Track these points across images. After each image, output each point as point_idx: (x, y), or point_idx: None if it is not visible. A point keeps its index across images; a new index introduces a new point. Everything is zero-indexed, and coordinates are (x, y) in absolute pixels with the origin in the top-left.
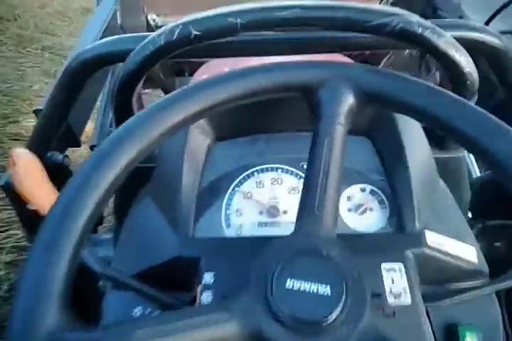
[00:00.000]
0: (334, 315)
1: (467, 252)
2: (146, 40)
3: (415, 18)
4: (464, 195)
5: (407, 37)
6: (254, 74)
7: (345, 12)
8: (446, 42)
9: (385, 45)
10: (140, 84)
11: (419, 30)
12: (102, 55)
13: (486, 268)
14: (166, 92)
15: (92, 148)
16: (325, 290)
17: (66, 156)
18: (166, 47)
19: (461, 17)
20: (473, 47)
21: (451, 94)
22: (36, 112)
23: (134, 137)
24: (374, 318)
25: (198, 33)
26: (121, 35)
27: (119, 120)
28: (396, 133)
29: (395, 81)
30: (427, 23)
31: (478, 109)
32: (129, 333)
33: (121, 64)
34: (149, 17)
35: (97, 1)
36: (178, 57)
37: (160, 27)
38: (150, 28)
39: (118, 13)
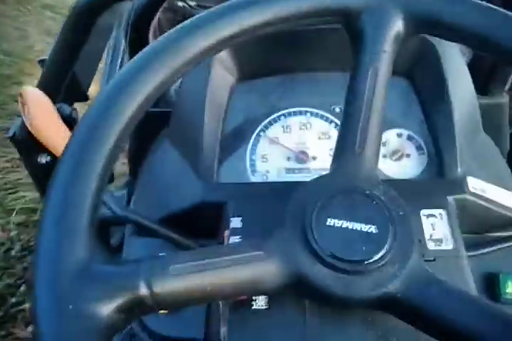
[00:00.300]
0: (380, 254)
1: (510, 200)
2: None
3: None
4: (504, 143)
5: None
6: None
7: None
8: None
9: None
10: (156, 18)
11: None
12: None
13: None
14: None
15: None
16: (370, 228)
17: (74, 109)
18: None
19: None
20: None
21: None
22: (41, 62)
23: (156, 64)
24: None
25: None
26: None
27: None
28: (440, 72)
29: (454, 3)
30: None
31: None
32: (163, 267)
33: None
34: None
35: None
36: None
37: None
38: None
39: None
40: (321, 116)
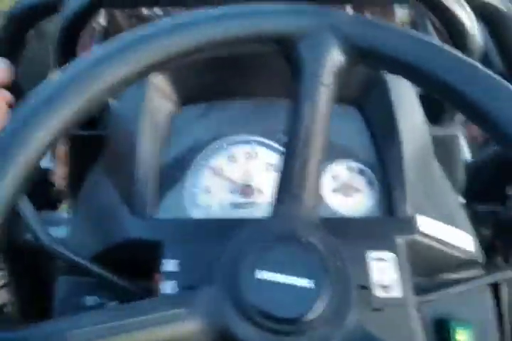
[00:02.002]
0: (314, 313)
1: (463, 240)
2: None
3: None
4: (458, 177)
5: None
6: (219, 19)
7: None
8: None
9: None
10: (84, 33)
11: None
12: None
13: (481, 258)
14: None
15: None
16: (304, 283)
17: None
18: None
19: None
20: (473, 8)
21: (464, 57)
22: None
23: (68, 93)
24: (361, 314)
25: None
26: None
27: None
28: (389, 102)
29: (395, 35)
30: None
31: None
32: (61, 334)
33: None
34: None
35: None
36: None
37: None
38: None
39: None
40: (268, 146)
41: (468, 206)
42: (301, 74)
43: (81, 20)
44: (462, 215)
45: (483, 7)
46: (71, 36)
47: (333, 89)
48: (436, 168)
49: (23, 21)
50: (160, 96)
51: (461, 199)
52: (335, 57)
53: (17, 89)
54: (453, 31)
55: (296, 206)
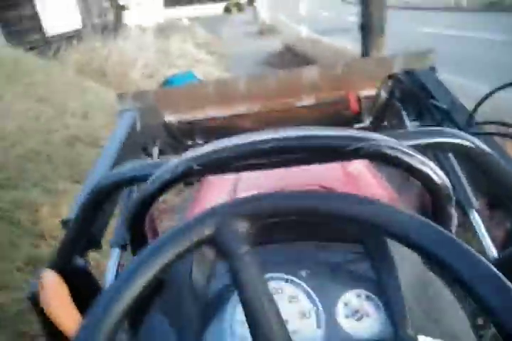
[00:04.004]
0: None
1: None
2: (156, 175)
3: (386, 141)
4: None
5: (380, 158)
6: (176, 237)
7: (325, 140)
8: (415, 160)
9: None
10: (152, 209)
11: (390, 152)
12: (125, 178)
13: None
14: None
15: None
16: None
17: (88, 262)
18: (172, 180)
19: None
20: (451, 150)
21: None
22: (63, 222)
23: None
24: None
25: (199, 167)
26: (141, 162)
27: (133, 239)
28: (384, 241)
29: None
30: (397, 144)
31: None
32: None
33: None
34: (166, 118)
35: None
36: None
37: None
38: (167, 127)
39: (137, 119)
40: (291, 281)
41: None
42: (227, 258)
43: (150, 199)
44: (467, 330)
45: (459, 148)
46: (142, 211)
47: (254, 252)
48: (439, 285)
49: (106, 192)
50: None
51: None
52: (242, 231)
53: (91, 237)
54: (428, 188)
55: None
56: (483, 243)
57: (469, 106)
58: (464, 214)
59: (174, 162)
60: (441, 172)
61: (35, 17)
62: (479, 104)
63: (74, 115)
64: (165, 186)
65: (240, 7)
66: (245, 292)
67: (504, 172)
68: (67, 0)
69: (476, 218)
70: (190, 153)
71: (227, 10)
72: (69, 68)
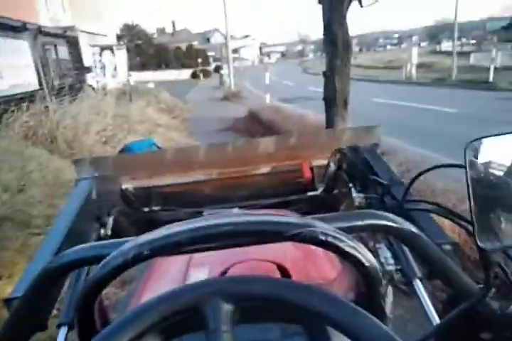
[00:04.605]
0: None
1: None
2: (108, 259)
3: (322, 228)
4: None
5: (316, 242)
6: (157, 305)
7: (268, 225)
8: (346, 244)
9: None
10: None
11: (324, 238)
12: (75, 261)
13: None
14: None
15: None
16: None
17: None
18: (123, 264)
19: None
20: (383, 231)
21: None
22: (6, 300)
23: None
24: None
25: (148, 252)
26: (91, 244)
27: (82, 319)
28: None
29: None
30: (330, 230)
31: None
32: None
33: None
34: (123, 185)
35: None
36: None
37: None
38: (123, 194)
39: (93, 187)
40: None
41: None
42: (208, 331)
43: (100, 284)
44: None
45: (391, 229)
46: (92, 293)
47: (232, 328)
48: None
49: (58, 274)
50: None
51: None
52: (227, 310)
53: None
54: (358, 269)
55: None
56: (427, 309)
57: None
58: (409, 283)
59: (126, 246)
60: (370, 256)
61: None
62: (412, 181)
63: (7, 189)
64: (116, 271)
65: (206, 73)
66: None
67: (430, 250)
68: (23, 59)
69: (419, 287)
70: (141, 238)
71: (194, 75)
72: (14, 133)
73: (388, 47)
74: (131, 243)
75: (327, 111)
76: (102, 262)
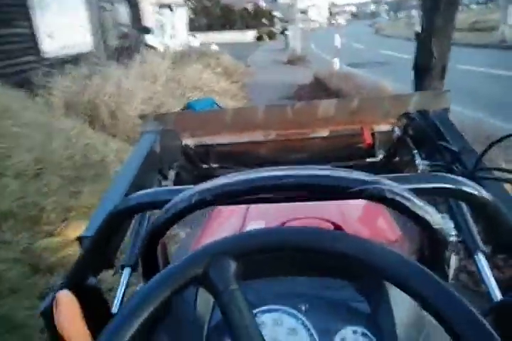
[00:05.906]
0: None
1: None
2: (171, 204)
3: (389, 185)
4: None
5: (381, 201)
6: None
7: (333, 180)
8: (414, 204)
9: None
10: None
11: (391, 196)
12: (141, 204)
13: None
14: None
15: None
16: None
17: (98, 280)
18: (186, 209)
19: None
20: (453, 196)
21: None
22: (79, 238)
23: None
24: None
25: (212, 198)
26: (157, 189)
27: (145, 262)
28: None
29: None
30: (398, 189)
31: None
32: None
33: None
34: (184, 142)
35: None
36: None
37: (193, 148)
38: (184, 150)
39: (157, 141)
40: (291, 314)
41: None
42: (216, 292)
43: (164, 227)
44: None
45: (460, 194)
46: (156, 236)
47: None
48: (432, 328)
49: (125, 216)
50: None
51: None
52: (233, 267)
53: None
54: (425, 230)
55: None
56: (488, 285)
57: None
58: (471, 256)
59: (189, 191)
60: (438, 218)
61: (30, 35)
62: (487, 149)
63: (19, 174)
64: (179, 215)
65: (271, 35)
66: (234, 329)
67: (503, 220)
68: (76, 18)
69: (481, 261)
70: (205, 184)
71: (258, 37)
72: (51, 101)
73: (473, 6)
74: (195, 189)
75: (416, 82)
76: (166, 206)
